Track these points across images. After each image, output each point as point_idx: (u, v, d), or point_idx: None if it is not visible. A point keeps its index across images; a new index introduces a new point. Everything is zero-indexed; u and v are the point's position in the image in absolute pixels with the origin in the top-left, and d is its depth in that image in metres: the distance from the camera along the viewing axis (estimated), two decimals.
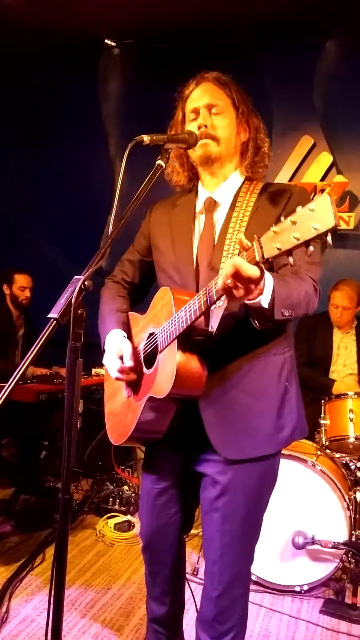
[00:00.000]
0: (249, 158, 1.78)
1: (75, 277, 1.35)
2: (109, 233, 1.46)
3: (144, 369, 1.76)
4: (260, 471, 1.73)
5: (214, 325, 1.57)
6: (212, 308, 1.51)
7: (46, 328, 1.30)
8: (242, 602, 1.82)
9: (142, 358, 1.78)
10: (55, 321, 1.30)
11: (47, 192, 5.41)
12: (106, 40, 4.93)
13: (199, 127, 1.71)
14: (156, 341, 1.68)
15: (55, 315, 1.30)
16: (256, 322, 1.49)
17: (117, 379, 1.77)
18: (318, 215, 1.15)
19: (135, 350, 1.80)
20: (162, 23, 4.44)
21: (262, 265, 1.30)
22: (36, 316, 4.31)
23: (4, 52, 4.86)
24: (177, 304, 1.60)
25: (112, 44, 4.96)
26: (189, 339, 1.58)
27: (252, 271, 1.29)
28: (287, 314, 1.45)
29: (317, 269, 1.65)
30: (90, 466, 4.09)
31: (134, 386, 1.81)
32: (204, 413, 1.66)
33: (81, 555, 3.17)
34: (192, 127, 1.73)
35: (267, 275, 1.39)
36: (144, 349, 1.77)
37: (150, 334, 1.74)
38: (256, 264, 1.29)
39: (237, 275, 1.30)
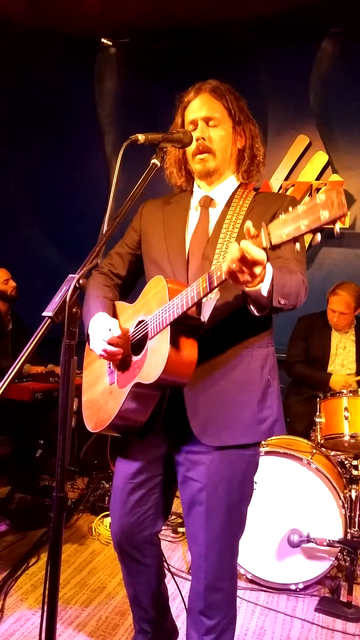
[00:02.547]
0: (245, 165, 1.85)
1: (70, 275, 1.35)
2: (104, 231, 1.47)
3: (132, 355, 1.75)
4: (242, 463, 1.76)
5: (205, 315, 1.59)
6: (204, 300, 1.55)
7: (40, 326, 1.30)
8: (230, 596, 1.82)
9: (129, 344, 1.77)
10: (49, 319, 1.30)
11: (44, 191, 5.41)
12: (103, 40, 4.92)
13: (197, 139, 1.79)
14: (146, 328, 1.69)
15: (50, 314, 1.30)
16: (254, 309, 1.52)
17: (104, 351, 1.72)
18: (327, 204, 1.19)
19: (125, 334, 1.79)
20: (159, 22, 4.44)
21: (268, 252, 1.33)
22: (32, 315, 4.28)
23: (1, 52, 4.85)
24: (171, 293, 1.61)
25: (109, 43, 4.95)
26: (181, 327, 1.59)
27: (260, 254, 1.31)
28: (283, 303, 1.49)
29: (304, 265, 1.72)
30: (86, 465, 4.09)
31: (119, 372, 1.79)
32: (187, 398, 1.68)
33: (77, 554, 3.17)
34: None
35: (267, 264, 1.42)
36: (132, 335, 1.77)
37: (140, 322, 1.74)
38: (263, 249, 1.31)
39: (243, 259, 1.32)
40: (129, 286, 2.05)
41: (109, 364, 1.87)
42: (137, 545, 1.89)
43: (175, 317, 1.55)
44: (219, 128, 1.80)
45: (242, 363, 1.73)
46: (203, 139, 1.79)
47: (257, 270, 1.35)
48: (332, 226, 1.23)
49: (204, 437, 1.69)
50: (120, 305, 1.92)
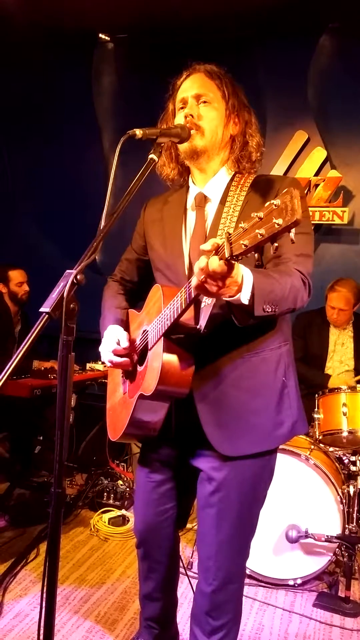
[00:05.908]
0: (235, 152, 1.75)
1: (67, 271, 1.34)
2: (101, 227, 1.46)
3: (138, 365, 1.77)
4: (256, 467, 1.74)
5: (202, 323, 1.56)
6: (202, 306, 1.51)
7: (38, 322, 1.29)
8: (236, 598, 1.82)
9: (137, 354, 1.79)
10: (47, 315, 1.29)
11: (42, 188, 5.38)
12: (100, 35, 4.90)
13: (185, 117, 1.69)
14: (147, 338, 1.69)
15: (47, 310, 1.29)
16: (236, 319, 1.46)
17: (111, 362, 1.77)
18: (281, 211, 1.13)
19: (132, 344, 1.80)
20: (157, 18, 4.41)
21: (233, 262, 1.28)
22: (31, 312, 4.29)
23: None
24: (165, 302, 1.59)
25: (107, 38, 4.93)
26: (178, 336, 1.58)
27: (216, 265, 1.27)
28: (269, 310, 1.42)
29: (306, 261, 1.62)
30: (84, 461, 4.09)
31: (130, 383, 1.82)
32: (200, 409, 1.67)
33: (75, 550, 3.18)
34: (179, 116, 1.73)
35: (246, 271, 1.37)
36: (138, 345, 1.78)
37: (144, 331, 1.75)
38: (226, 260, 1.27)
39: (206, 270, 1.29)
40: (143, 290, 2.01)
41: (122, 373, 1.89)
42: (159, 542, 1.91)
43: (166, 328, 1.54)
44: (210, 107, 1.70)
45: (252, 369, 1.68)
46: (191, 116, 1.68)
47: (222, 282, 1.31)
48: (287, 234, 1.16)
49: (219, 448, 1.67)
50: (133, 313, 1.93)
